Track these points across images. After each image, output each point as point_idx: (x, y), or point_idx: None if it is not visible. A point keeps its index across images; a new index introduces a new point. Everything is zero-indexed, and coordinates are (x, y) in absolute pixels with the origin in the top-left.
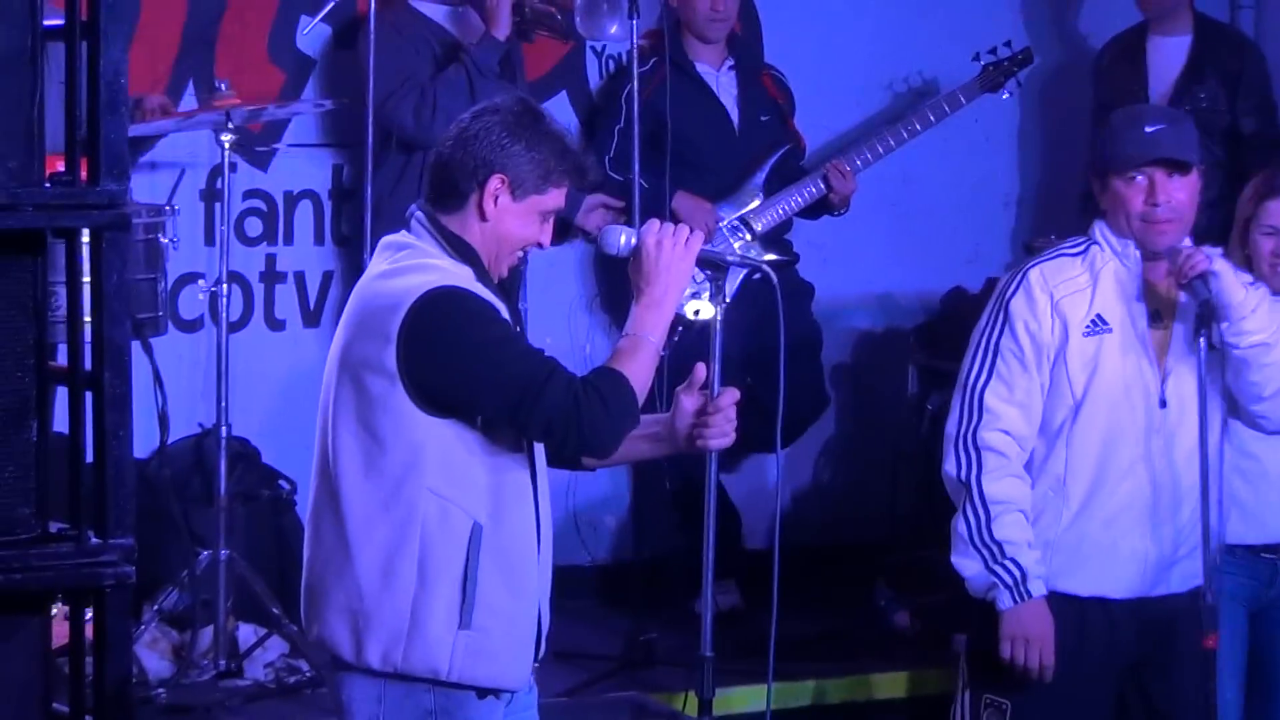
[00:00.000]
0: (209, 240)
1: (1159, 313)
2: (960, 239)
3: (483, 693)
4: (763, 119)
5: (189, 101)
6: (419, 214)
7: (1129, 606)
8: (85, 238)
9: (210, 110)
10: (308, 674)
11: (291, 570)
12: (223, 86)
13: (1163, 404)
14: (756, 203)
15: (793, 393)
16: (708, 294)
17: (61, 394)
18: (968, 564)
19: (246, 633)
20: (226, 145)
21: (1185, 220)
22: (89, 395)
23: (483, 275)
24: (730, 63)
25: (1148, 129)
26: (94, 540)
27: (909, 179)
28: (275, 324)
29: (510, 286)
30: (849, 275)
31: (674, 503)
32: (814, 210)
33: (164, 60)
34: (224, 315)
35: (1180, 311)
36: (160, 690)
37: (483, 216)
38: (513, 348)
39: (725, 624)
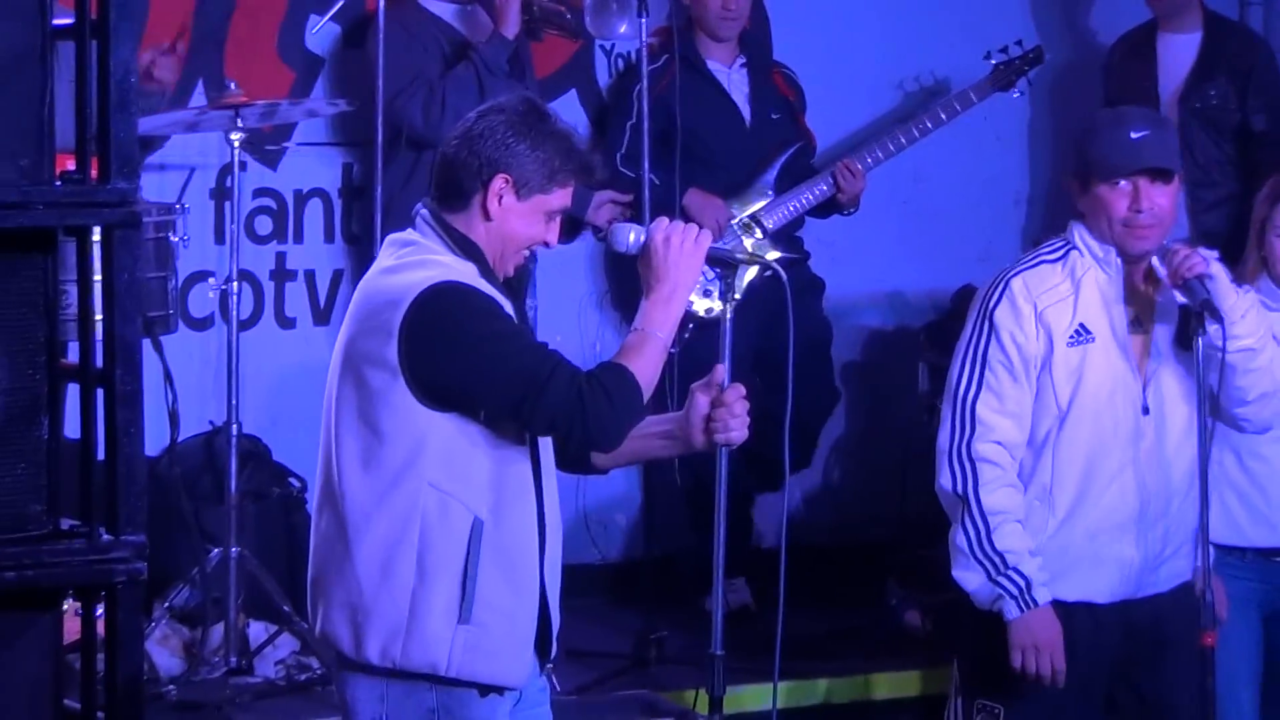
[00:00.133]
0: (219, 239)
1: (1139, 318)
2: (971, 237)
3: (484, 690)
4: (774, 117)
5: (198, 100)
6: (424, 212)
7: (1115, 609)
8: (96, 236)
9: (221, 108)
10: (318, 671)
11: (302, 568)
12: (232, 85)
13: (1145, 410)
14: (767, 200)
15: (802, 397)
16: (718, 291)
17: (73, 391)
18: (970, 577)
19: (257, 630)
20: (236, 144)
21: (1166, 226)
22: (100, 393)
23: (486, 272)
24: (742, 60)
25: (1133, 135)
26: (105, 537)
27: (920, 177)
28: (285, 322)
29: (517, 284)
30: (859, 273)
31: (686, 500)
32: (824, 209)
33: None
34: (234, 313)
35: (1160, 315)
36: (171, 687)
37: (487, 216)
38: (516, 342)
39: (736, 622)
